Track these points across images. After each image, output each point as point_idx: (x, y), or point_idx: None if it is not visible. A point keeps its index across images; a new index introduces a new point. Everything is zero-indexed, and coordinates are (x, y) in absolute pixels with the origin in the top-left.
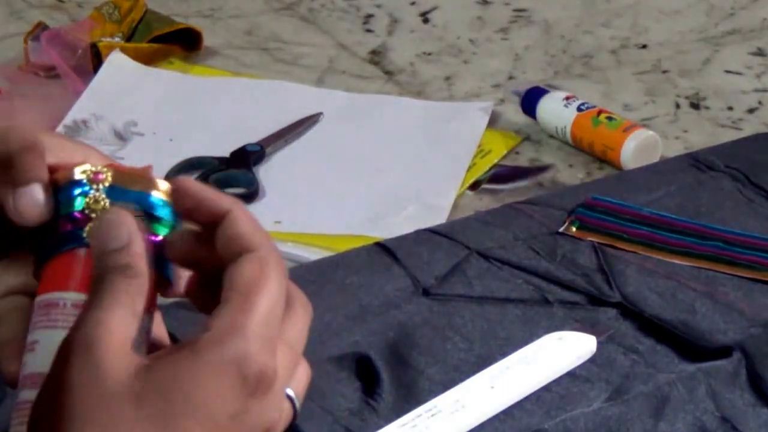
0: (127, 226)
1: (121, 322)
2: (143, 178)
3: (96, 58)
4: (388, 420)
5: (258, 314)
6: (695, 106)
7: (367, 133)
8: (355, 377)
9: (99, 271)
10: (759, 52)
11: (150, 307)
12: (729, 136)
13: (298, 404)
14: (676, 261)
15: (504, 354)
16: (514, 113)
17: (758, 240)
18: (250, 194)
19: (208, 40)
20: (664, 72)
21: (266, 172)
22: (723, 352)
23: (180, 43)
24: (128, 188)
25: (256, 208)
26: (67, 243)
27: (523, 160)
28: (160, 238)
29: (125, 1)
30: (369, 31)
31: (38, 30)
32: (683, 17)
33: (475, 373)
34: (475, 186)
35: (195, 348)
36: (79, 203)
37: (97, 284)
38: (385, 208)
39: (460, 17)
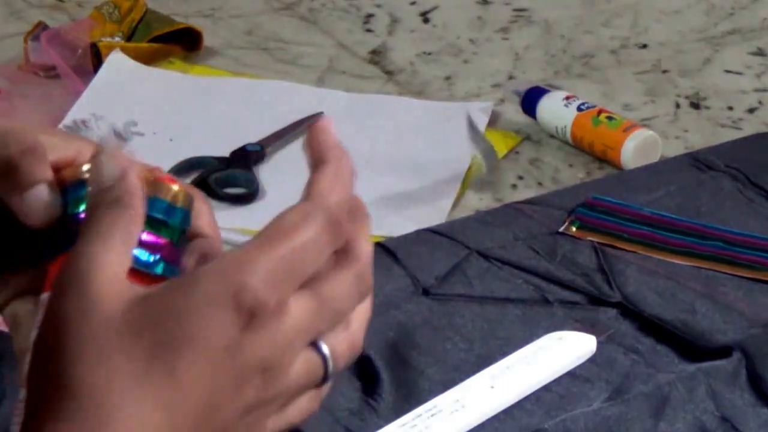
0: (118, 163)
1: (112, 255)
2: (151, 178)
3: (96, 58)
4: (388, 420)
5: (270, 252)
6: (695, 105)
7: (367, 133)
8: (355, 377)
9: (91, 208)
10: (759, 52)
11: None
12: (729, 135)
13: (331, 365)
14: (677, 261)
15: (504, 354)
16: (514, 113)
17: (758, 240)
18: (250, 194)
19: (208, 40)
20: (665, 72)
21: (266, 172)
22: (723, 352)
23: (180, 43)
24: None
25: (256, 208)
26: (73, 242)
27: (523, 160)
28: (164, 241)
29: (125, 0)
30: (369, 30)
31: (38, 30)
32: (683, 17)
33: (475, 373)
34: (475, 186)
35: (193, 278)
36: (84, 203)
37: (89, 220)
38: (385, 208)
39: (460, 17)
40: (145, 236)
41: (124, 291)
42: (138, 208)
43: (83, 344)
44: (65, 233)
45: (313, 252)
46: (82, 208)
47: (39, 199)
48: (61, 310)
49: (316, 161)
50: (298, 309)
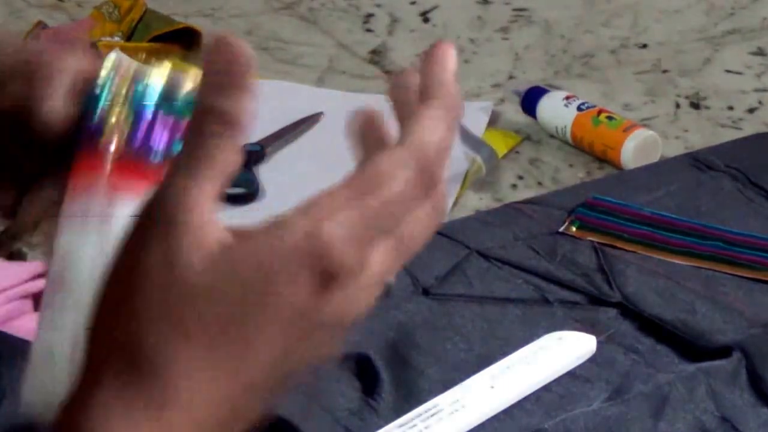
0: (248, 82)
1: (208, 196)
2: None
3: None
4: (388, 420)
5: (359, 206)
6: (695, 105)
7: None
8: (355, 377)
9: (199, 129)
10: (759, 52)
11: None
12: (729, 135)
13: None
14: (677, 261)
15: (504, 354)
16: (514, 113)
17: (758, 240)
18: (250, 194)
19: (207, 40)
20: (664, 72)
21: (266, 172)
22: (723, 352)
23: (180, 43)
24: (151, 85)
25: (256, 208)
26: (90, 149)
27: (523, 160)
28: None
29: (125, 0)
30: (369, 30)
31: (38, 29)
32: (683, 17)
33: (475, 373)
34: (475, 185)
35: (277, 230)
36: (100, 107)
37: (194, 147)
38: None
39: (460, 17)
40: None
41: (212, 242)
42: (234, 146)
43: (158, 304)
44: (79, 141)
45: (403, 206)
46: (95, 115)
47: (55, 110)
48: (143, 257)
49: (425, 93)
50: (378, 258)
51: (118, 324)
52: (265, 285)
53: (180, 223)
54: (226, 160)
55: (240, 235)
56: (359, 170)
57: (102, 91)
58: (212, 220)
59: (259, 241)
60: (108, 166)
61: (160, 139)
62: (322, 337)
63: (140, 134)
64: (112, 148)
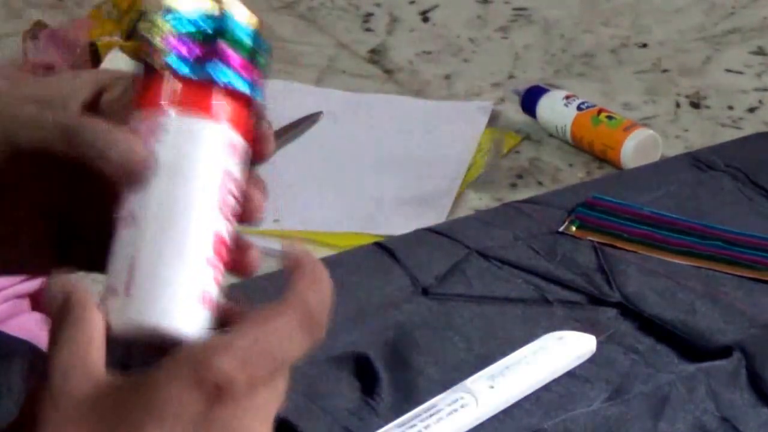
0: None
1: (72, 352)
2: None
3: (95, 57)
4: (388, 420)
5: (243, 336)
6: (695, 105)
7: (367, 132)
8: (354, 377)
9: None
10: (759, 51)
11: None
12: (729, 135)
13: None
14: (677, 260)
15: (504, 353)
16: (514, 112)
17: (758, 239)
18: None
19: None
20: (665, 71)
21: (266, 171)
22: (723, 352)
23: None
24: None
25: None
26: (149, 78)
27: (523, 159)
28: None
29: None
30: (368, 30)
31: (37, 29)
32: (683, 16)
33: (475, 373)
34: (474, 185)
35: (159, 364)
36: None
37: (51, 333)
38: (385, 208)
39: (460, 16)
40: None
41: (89, 373)
42: (91, 319)
43: (49, 424)
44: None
45: (287, 341)
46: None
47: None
48: (35, 397)
49: (292, 266)
50: (267, 380)
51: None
52: (147, 401)
53: (57, 377)
54: (85, 333)
55: (123, 378)
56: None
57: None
58: (90, 370)
59: (139, 373)
60: (170, 88)
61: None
62: None
63: (193, 56)
64: (170, 72)
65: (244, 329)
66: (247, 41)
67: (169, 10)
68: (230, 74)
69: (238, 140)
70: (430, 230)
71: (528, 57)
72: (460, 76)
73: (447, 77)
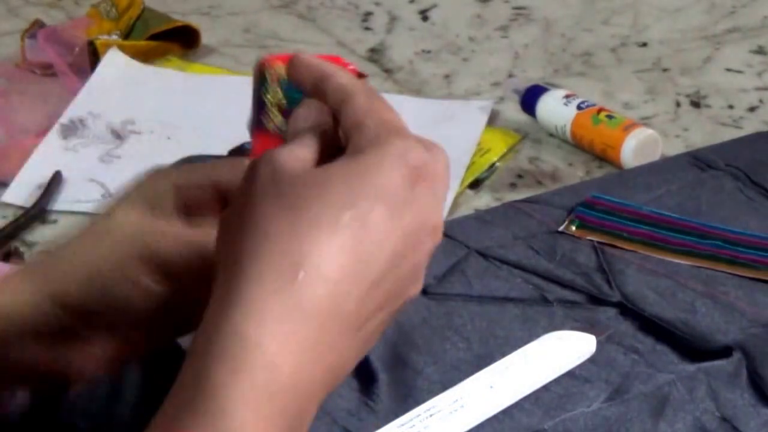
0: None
1: (295, 145)
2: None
3: (93, 56)
4: (387, 420)
5: (398, 122)
6: (696, 104)
7: None
8: (353, 377)
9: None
10: (760, 51)
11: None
12: (729, 134)
13: None
14: (677, 260)
15: (503, 353)
16: (513, 111)
17: (759, 239)
18: None
19: (206, 38)
20: (665, 70)
21: None
22: (723, 351)
23: (178, 41)
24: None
25: None
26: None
27: (522, 159)
28: None
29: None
30: (368, 29)
31: (35, 27)
32: (684, 15)
33: (474, 373)
34: (474, 184)
35: (357, 150)
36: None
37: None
38: None
39: (460, 15)
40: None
41: (308, 162)
42: (325, 114)
43: (274, 197)
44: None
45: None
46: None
47: None
48: (251, 179)
49: (342, 98)
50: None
51: (242, 221)
52: (369, 180)
53: (276, 155)
54: (313, 128)
55: (330, 164)
56: (356, 120)
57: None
58: (309, 157)
59: (349, 157)
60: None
61: None
62: (417, 247)
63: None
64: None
65: (394, 118)
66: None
67: (287, 84)
68: None
69: None
70: None
71: (528, 56)
72: (459, 75)
73: (446, 76)
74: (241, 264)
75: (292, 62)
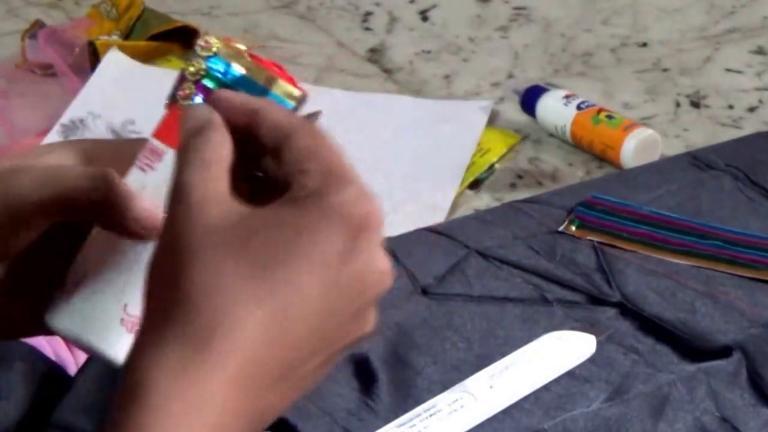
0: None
1: (207, 173)
2: (245, 58)
3: (93, 56)
4: (387, 420)
5: (343, 167)
6: (695, 104)
7: (366, 131)
8: (354, 377)
9: (180, 146)
10: (759, 51)
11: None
12: (729, 134)
13: None
14: (676, 260)
15: (503, 353)
16: (513, 112)
17: (759, 239)
18: None
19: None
20: (665, 70)
21: None
22: (723, 351)
23: (178, 41)
24: (231, 63)
25: None
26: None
27: (522, 159)
28: None
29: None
30: (368, 29)
31: (35, 28)
32: (683, 15)
33: (474, 373)
34: (474, 185)
35: (297, 199)
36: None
37: (179, 153)
38: (384, 207)
39: (460, 15)
40: None
41: (228, 204)
42: (221, 132)
43: (193, 251)
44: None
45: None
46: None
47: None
48: (170, 226)
49: (252, 112)
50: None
51: (163, 273)
52: (298, 237)
53: (192, 193)
54: (215, 149)
55: (260, 208)
56: (301, 160)
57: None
58: (224, 191)
59: (282, 204)
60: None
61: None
62: (357, 297)
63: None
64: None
65: (342, 162)
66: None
67: (213, 58)
68: None
69: None
70: (429, 230)
71: (528, 56)
72: (459, 75)
73: (446, 77)
74: (164, 306)
75: (213, 101)
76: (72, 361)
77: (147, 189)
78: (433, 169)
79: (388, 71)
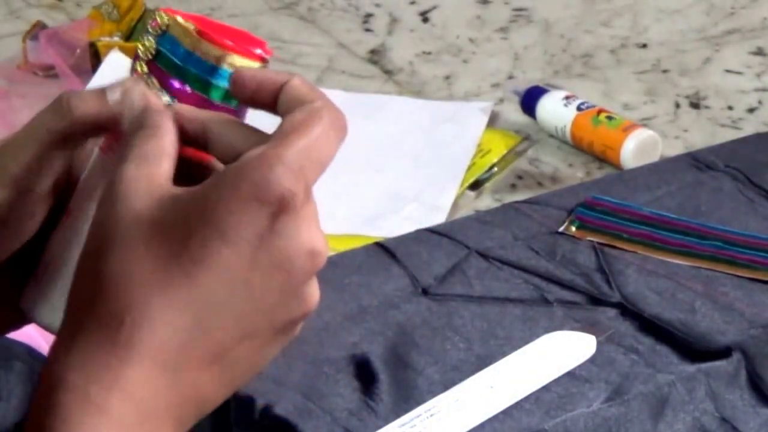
0: (136, 93)
1: (140, 168)
2: (195, 36)
3: (95, 58)
4: (387, 420)
5: (290, 147)
6: (695, 105)
7: (367, 132)
8: (354, 377)
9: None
10: (759, 52)
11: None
12: (729, 135)
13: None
14: (676, 261)
15: (503, 354)
16: (513, 113)
17: (758, 240)
18: None
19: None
20: (664, 71)
21: None
22: (723, 352)
23: None
24: (180, 41)
25: None
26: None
27: (522, 160)
28: (184, 89)
29: (124, 0)
30: (368, 30)
31: (37, 29)
32: (683, 16)
33: (475, 373)
34: (474, 185)
35: (218, 177)
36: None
37: (121, 150)
38: (385, 208)
39: (460, 16)
40: (167, 80)
41: (159, 193)
42: (161, 125)
43: (113, 240)
44: None
45: (326, 146)
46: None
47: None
48: (97, 216)
49: (281, 84)
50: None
51: (86, 266)
52: (212, 218)
53: (120, 185)
54: (152, 142)
55: (186, 189)
56: (280, 127)
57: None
58: (154, 179)
59: (202, 187)
60: None
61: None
62: (285, 277)
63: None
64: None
65: (289, 140)
66: (209, 79)
67: (163, 37)
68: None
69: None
70: (430, 230)
71: (528, 57)
72: (459, 76)
73: (447, 77)
74: (84, 302)
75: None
76: None
77: (109, 172)
78: (434, 170)
79: (388, 72)
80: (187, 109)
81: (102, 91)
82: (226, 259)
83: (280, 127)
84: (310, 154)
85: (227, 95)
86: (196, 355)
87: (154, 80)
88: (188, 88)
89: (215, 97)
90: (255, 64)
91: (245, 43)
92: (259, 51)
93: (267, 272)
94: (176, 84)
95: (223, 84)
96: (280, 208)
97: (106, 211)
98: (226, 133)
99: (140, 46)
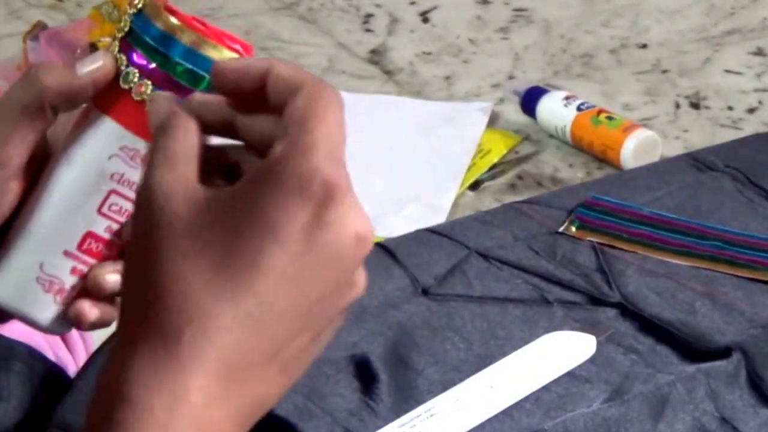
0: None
1: (172, 170)
2: (166, 15)
3: None
4: (387, 420)
5: (315, 133)
6: (695, 105)
7: (367, 133)
8: (354, 378)
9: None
10: (759, 52)
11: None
12: (729, 135)
13: None
14: (676, 261)
15: (503, 354)
16: (513, 113)
17: (758, 240)
18: None
19: None
20: (664, 72)
21: None
22: (723, 352)
23: None
24: (153, 21)
25: None
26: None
27: (522, 160)
28: (152, 66)
29: (124, 0)
30: (368, 30)
31: (37, 29)
32: (683, 17)
33: (475, 373)
34: (474, 186)
35: (256, 173)
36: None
37: (148, 154)
38: (385, 208)
39: (460, 17)
40: (137, 58)
41: (194, 194)
42: (185, 124)
43: (161, 250)
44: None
45: (341, 126)
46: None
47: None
48: (137, 222)
49: (264, 73)
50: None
51: (135, 274)
52: (260, 216)
53: (156, 189)
54: (179, 144)
55: (226, 190)
56: (288, 124)
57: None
58: (190, 182)
59: (243, 184)
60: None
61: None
62: (336, 268)
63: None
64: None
65: (310, 127)
66: (176, 59)
67: (137, 15)
68: (143, 82)
69: (135, 143)
70: (430, 230)
71: (528, 58)
72: (460, 76)
73: (447, 78)
74: (127, 322)
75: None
76: (72, 362)
77: (66, 153)
78: (434, 170)
79: (388, 72)
80: (210, 100)
81: (71, 64)
82: (277, 260)
83: (290, 115)
84: (333, 137)
85: (195, 78)
86: (255, 358)
87: (123, 57)
88: (154, 66)
89: (183, 79)
90: (229, 53)
91: (229, 41)
92: (237, 46)
93: (319, 267)
94: (143, 62)
95: (190, 66)
96: (327, 197)
97: (148, 218)
98: (252, 120)
99: (116, 26)
